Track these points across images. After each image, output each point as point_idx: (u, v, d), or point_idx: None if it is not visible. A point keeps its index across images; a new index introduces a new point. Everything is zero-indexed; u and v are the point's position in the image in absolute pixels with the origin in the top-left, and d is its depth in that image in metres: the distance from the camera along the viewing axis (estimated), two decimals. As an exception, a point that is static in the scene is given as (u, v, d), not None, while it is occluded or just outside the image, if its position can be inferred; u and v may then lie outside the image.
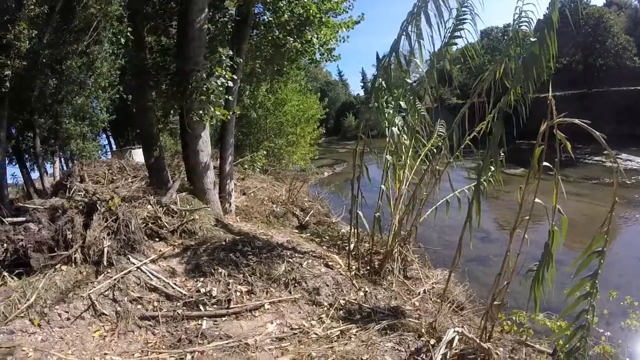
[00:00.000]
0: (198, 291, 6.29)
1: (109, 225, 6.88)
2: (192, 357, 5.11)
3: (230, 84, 9.83)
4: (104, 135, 29.25)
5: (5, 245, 6.65)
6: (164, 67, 10.06)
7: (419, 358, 4.64)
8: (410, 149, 8.07)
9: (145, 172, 18.93)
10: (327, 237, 10.59)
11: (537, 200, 4.41)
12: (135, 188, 14.17)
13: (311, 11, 11.06)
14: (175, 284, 6.46)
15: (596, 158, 33.42)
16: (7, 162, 19.14)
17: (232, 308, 5.98)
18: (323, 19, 11.69)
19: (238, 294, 6.27)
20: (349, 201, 8.26)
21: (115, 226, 6.89)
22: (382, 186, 7.83)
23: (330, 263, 7.54)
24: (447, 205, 7.53)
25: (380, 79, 6.98)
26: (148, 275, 6.49)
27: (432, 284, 7.72)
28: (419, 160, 8.20)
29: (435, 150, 8.05)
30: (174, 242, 7.43)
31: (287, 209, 13.84)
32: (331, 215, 15.45)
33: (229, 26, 11.46)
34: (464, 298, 7.51)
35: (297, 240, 9.21)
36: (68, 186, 18.59)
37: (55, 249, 6.64)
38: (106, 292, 6.11)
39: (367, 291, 6.57)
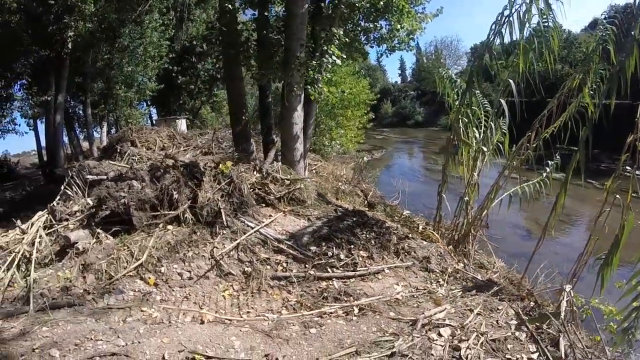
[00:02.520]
0: (325, 254, 6.27)
1: (222, 188, 6.78)
2: (357, 306, 5.10)
3: (339, 62, 9.92)
4: (144, 104, 29.39)
5: (108, 202, 6.66)
6: (259, 40, 10.24)
7: (530, 314, 4.93)
8: (481, 141, 8.24)
9: (195, 141, 19.11)
10: (396, 217, 10.66)
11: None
12: (190, 156, 14.30)
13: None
14: (299, 247, 6.39)
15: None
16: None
17: (359, 271, 6.02)
18: (406, 9, 11.64)
19: (360, 259, 6.29)
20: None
21: (228, 189, 6.78)
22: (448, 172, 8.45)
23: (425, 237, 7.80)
24: (509, 199, 7.74)
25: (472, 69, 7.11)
26: (270, 238, 6.41)
27: (494, 264, 8.16)
28: (486, 152, 8.29)
29: (500, 145, 8.32)
30: (284, 208, 7.32)
31: (352, 187, 13.82)
32: (386, 198, 15.42)
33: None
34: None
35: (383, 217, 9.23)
36: (119, 150, 18.89)
37: (159, 208, 6.53)
38: (231, 253, 6.02)
39: (466, 262, 7.03)
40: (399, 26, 11.83)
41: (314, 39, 9.95)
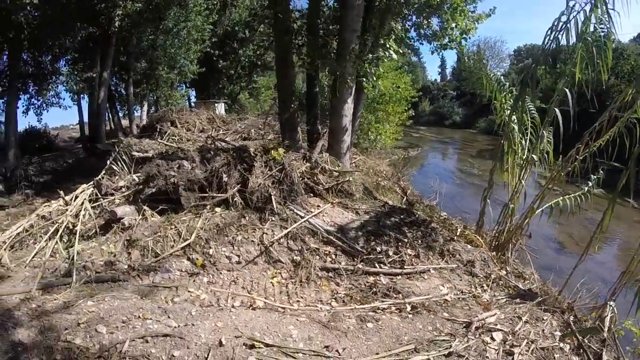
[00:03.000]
0: (374, 250, 6.13)
1: (274, 175, 6.64)
2: (410, 304, 4.98)
3: (395, 56, 9.91)
4: (183, 86, 29.62)
5: (157, 180, 6.59)
6: (310, 29, 10.21)
7: (571, 327, 4.72)
8: (526, 149, 8.13)
9: (234, 125, 19.09)
10: (435, 218, 10.37)
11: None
12: (231, 139, 14.24)
13: None
14: (347, 239, 6.23)
15: None
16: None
17: (406, 269, 5.86)
18: (460, 7, 11.31)
19: (407, 257, 6.13)
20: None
21: (279, 176, 6.65)
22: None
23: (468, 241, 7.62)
24: (550, 210, 7.58)
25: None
26: (320, 228, 6.25)
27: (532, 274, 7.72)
28: (536, 161, 8.10)
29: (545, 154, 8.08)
30: (332, 199, 7.16)
31: (392, 184, 13.53)
32: (422, 197, 15.09)
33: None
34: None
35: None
36: (159, 129, 19.02)
37: (208, 190, 6.46)
38: (281, 240, 5.91)
39: (507, 270, 6.87)
40: (453, 24, 11.47)
41: (367, 30, 9.78)
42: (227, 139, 14.98)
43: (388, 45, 9.48)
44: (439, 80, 77.95)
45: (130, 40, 19.40)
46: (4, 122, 14.63)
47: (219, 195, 6.34)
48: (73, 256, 5.75)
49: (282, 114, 10.30)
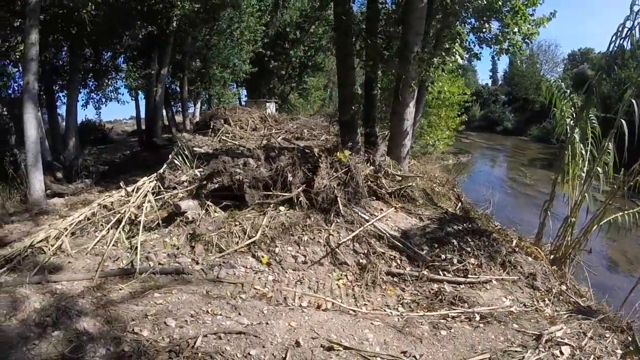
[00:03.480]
0: (438, 257, 6.00)
1: (339, 177, 6.55)
2: (479, 314, 4.87)
3: (461, 61, 9.57)
4: (234, 85, 30.02)
5: (222, 176, 6.59)
6: (369, 31, 10.15)
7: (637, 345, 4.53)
8: (586, 160, 7.87)
9: (286, 125, 19.13)
10: (491, 228, 10.04)
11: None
12: (282, 139, 14.24)
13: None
14: (412, 245, 6.10)
15: None
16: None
17: (469, 278, 5.72)
18: (522, 11, 10.92)
19: (471, 266, 5.98)
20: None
21: (345, 178, 6.56)
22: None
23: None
24: (609, 226, 7.30)
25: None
26: (385, 232, 6.13)
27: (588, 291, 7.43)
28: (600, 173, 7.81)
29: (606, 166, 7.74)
30: (395, 204, 7.03)
31: (446, 190, 13.17)
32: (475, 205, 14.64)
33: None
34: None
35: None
36: (212, 126, 19.27)
37: (272, 189, 6.44)
38: (347, 242, 5.84)
39: (567, 286, 6.55)
40: (516, 29, 11.08)
41: (428, 33, 9.67)
42: (289, 139, 15.07)
43: (454, 50, 9.33)
44: (490, 85, 75.72)
45: (185, 40, 19.72)
46: (65, 113, 15.05)
47: (284, 194, 6.32)
48: (136, 247, 5.84)
49: (342, 115, 10.25)
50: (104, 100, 18.07)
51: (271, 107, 23.06)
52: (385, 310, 4.85)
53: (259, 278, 5.14)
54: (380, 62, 9.86)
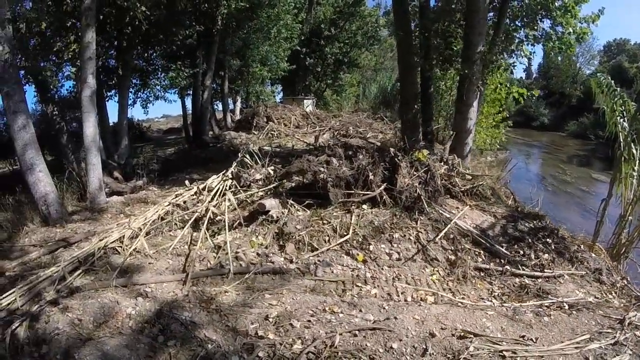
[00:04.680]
0: (517, 252, 6.16)
1: (420, 175, 6.66)
2: (567, 304, 5.08)
3: (526, 62, 9.72)
4: (269, 83, 30.21)
5: (306, 175, 6.70)
6: (435, 30, 10.24)
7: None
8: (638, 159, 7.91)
9: (329, 122, 19.19)
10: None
11: None
12: (328, 137, 14.30)
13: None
14: (492, 241, 6.25)
15: None
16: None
17: (545, 272, 5.86)
18: (575, 11, 10.74)
19: (545, 261, 6.14)
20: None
21: (425, 177, 6.67)
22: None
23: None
24: None
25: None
26: (470, 229, 6.28)
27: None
28: None
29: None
30: (470, 202, 7.10)
31: (498, 188, 13.11)
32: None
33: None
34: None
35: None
36: (254, 124, 19.46)
37: (353, 187, 6.53)
38: (435, 239, 5.98)
39: (628, 281, 6.69)
40: (570, 29, 10.92)
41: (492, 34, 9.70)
42: (325, 136, 15.14)
43: (519, 52, 9.54)
44: (524, 78, 74.22)
45: (227, 39, 19.93)
46: (118, 112, 15.31)
47: (367, 193, 6.42)
48: (221, 246, 5.89)
49: (403, 114, 10.39)
50: (151, 99, 18.45)
51: (309, 104, 23.16)
52: (485, 302, 5.06)
53: (357, 275, 5.22)
54: (441, 62, 9.83)
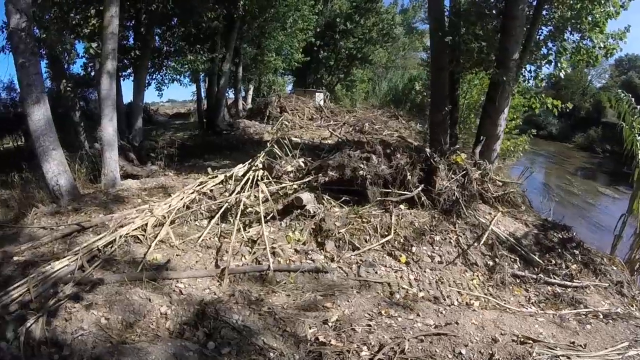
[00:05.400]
0: (550, 261, 6.18)
1: (458, 179, 6.64)
2: (601, 313, 5.18)
3: (562, 74, 10.03)
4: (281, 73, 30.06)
5: (345, 170, 6.58)
6: (471, 33, 10.20)
7: None
8: None
9: (343, 117, 19.04)
10: None
11: None
12: (343, 132, 14.19)
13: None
14: (526, 249, 6.27)
15: None
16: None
17: (574, 282, 5.92)
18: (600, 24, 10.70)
19: (574, 271, 6.17)
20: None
21: (463, 181, 6.66)
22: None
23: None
24: None
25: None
26: (508, 236, 6.31)
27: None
28: None
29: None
30: (502, 208, 7.08)
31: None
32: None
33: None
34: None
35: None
36: (267, 113, 19.33)
37: (390, 186, 6.50)
38: (474, 244, 5.98)
39: None
40: (601, 44, 10.84)
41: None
42: (340, 131, 15.03)
43: (559, 64, 9.52)
44: (533, 87, 74.25)
45: (247, 25, 19.73)
46: (133, 93, 15.05)
47: (404, 193, 6.39)
48: (255, 240, 5.73)
49: (433, 115, 10.33)
50: (165, 81, 18.25)
51: (320, 97, 23.04)
52: (526, 308, 5.12)
53: (401, 277, 5.19)
54: (477, 67, 9.77)
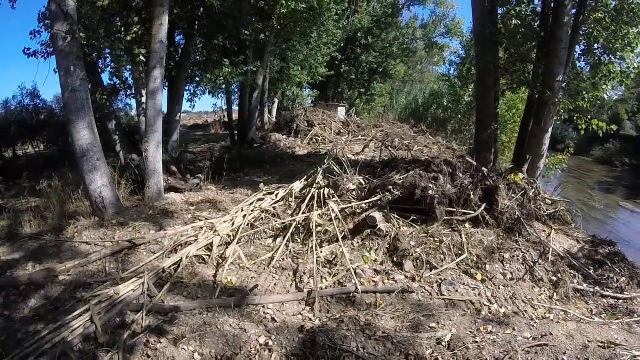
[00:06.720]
0: (603, 275, 6.44)
1: (517, 198, 7.00)
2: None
3: (606, 97, 10.51)
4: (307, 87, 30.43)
5: (416, 190, 6.80)
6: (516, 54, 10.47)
7: None
8: None
9: (370, 131, 19.22)
10: None
11: None
12: (373, 147, 14.45)
13: None
14: (581, 263, 6.60)
15: None
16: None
17: (624, 295, 6.12)
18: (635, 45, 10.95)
19: (622, 284, 6.37)
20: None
21: (522, 200, 7.03)
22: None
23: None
24: None
25: None
26: (567, 253, 6.69)
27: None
28: None
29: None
30: (554, 226, 7.39)
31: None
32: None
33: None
34: None
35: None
36: (294, 127, 19.57)
37: (454, 205, 6.80)
38: (539, 261, 6.31)
39: None
40: (635, 64, 11.11)
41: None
42: (371, 146, 15.34)
43: (604, 87, 9.73)
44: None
45: (280, 39, 19.97)
46: (169, 103, 14.99)
47: (469, 212, 6.72)
48: (330, 260, 5.89)
49: (479, 133, 10.59)
50: (198, 92, 18.53)
51: (342, 112, 23.31)
52: (594, 319, 5.37)
53: (479, 294, 5.48)
54: (524, 86, 10.09)
